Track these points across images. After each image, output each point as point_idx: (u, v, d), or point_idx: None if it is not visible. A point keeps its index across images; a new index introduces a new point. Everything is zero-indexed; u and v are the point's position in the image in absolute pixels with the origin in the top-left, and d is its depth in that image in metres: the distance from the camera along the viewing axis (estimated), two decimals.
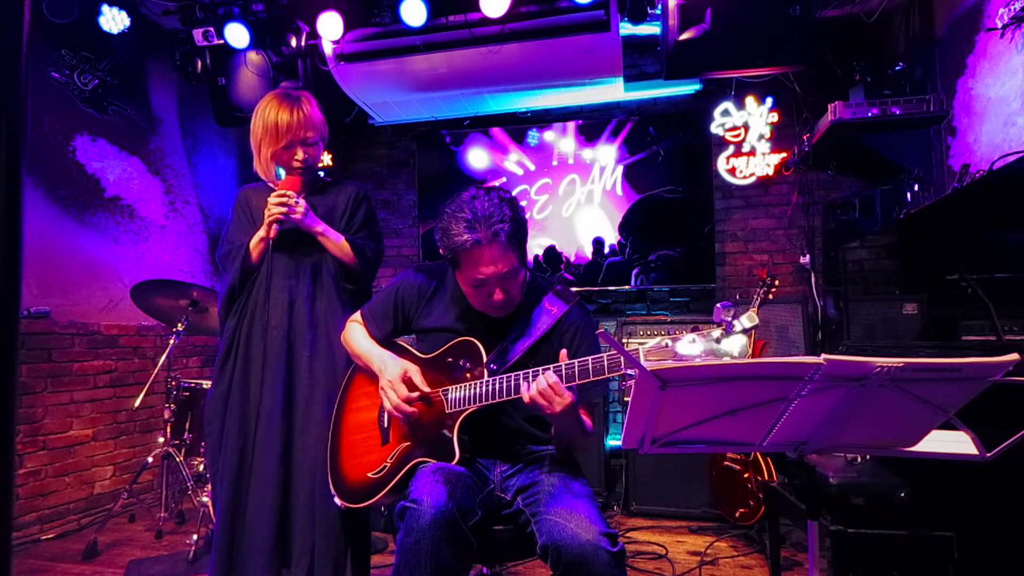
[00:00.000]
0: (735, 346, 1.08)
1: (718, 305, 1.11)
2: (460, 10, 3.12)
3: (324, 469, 1.58)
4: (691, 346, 1.12)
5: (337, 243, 1.80)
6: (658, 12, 3.05)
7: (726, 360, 1.08)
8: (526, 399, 1.25)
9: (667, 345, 1.14)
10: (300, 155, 1.78)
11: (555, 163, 4.09)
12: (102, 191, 3.36)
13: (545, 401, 1.23)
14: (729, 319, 1.09)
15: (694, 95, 3.90)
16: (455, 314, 1.53)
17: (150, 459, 2.75)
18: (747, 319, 1.08)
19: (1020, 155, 1.86)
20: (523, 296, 1.47)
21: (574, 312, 1.48)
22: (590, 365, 1.23)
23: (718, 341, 1.09)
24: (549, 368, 1.26)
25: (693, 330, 1.14)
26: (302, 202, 1.75)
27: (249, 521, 1.68)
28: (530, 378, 1.28)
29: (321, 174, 1.93)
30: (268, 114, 1.76)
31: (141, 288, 2.72)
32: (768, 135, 3.64)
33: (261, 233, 1.76)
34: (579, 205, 4.03)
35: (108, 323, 3.33)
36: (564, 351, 1.29)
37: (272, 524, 1.66)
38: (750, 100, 3.66)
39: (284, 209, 1.70)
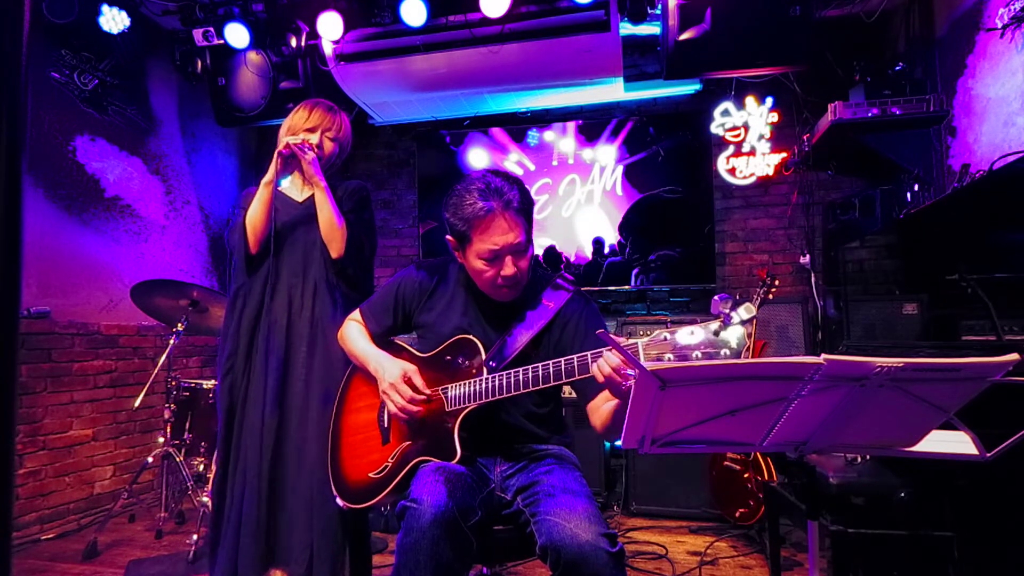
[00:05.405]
0: (733, 338, 1.08)
1: (715, 297, 1.11)
2: (460, 10, 3.13)
3: (324, 467, 1.59)
4: (690, 338, 1.12)
5: (332, 210, 1.79)
6: (658, 12, 3.05)
7: (726, 356, 1.08)
8: (600, 378, 1.17)
9: (665, 339, 1.14)
10: (317, 139, 1.85)
11: (555, 163, 4.09)
12: (102, 191, 3.36)
13: (620, 377, 1.14)
14: (727, 311, 1.08)
15: (694, 95, 3.90)
16: (456, 310, 1.53)
17: (150, 459, 2.74)
18: (744, 311, 1.08)
19: (1020, 155, 1.86)
20: (527, 281, 1.46)
21: (574, 301, 1.48)
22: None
23: (716, 333, 1.09)
24: (599, 352, 1.19)
25: (691, 323, 1.14)
26: (313, 154, 1.79)
27: (244, 515, 1.71)
28: (562, 366, 1.25)
29: None
30: (306, 109, 1.89)
31: (141, 288, 2.72)
32: (768, 135, 3.63)
33: (267, 177, 1.80)
34: (579, 205, 4.04)
35: (108, 323, 3.33)
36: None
37: (263, 518, 1.69)
38: (750, 100, 3.65)
39: (298, 140, 1.77)
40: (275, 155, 1.79)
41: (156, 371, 2.76)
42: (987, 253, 2.09)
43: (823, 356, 0.79)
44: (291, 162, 1.82)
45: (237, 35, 3.21)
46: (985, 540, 1.52)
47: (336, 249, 1.80)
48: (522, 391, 1.31)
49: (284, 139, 1.79)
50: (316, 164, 1.78)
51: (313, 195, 1.83)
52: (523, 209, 1.39)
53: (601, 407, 1.35)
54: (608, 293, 3.99)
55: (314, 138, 1.84)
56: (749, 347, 1.12)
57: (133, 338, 3.47)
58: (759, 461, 2.59)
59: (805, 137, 3.28)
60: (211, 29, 3.25)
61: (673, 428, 0.92)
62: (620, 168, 3.94)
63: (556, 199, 4.08)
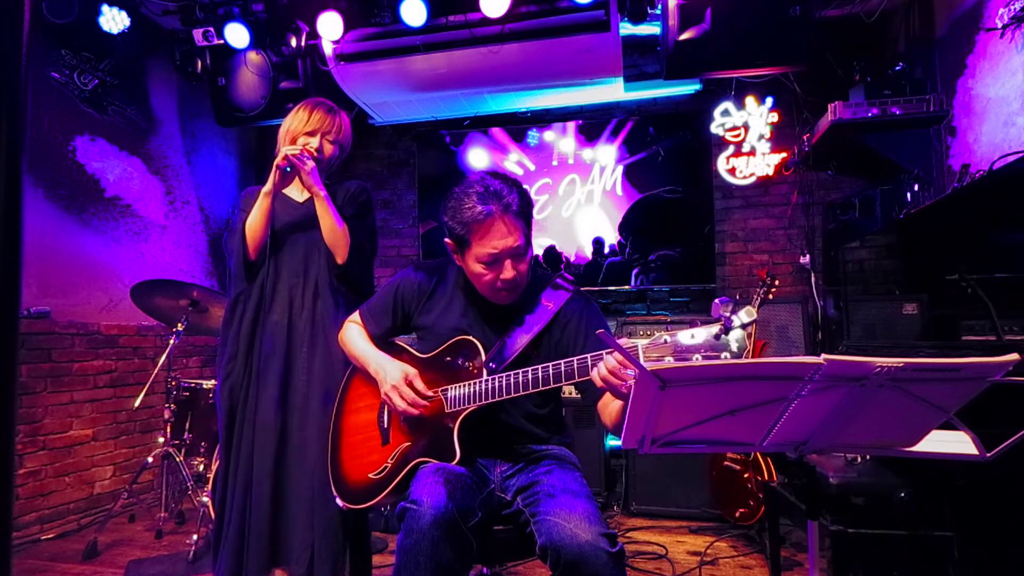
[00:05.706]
0: (734, 341, 1.08)
1: (716, 301, 1.11)
2: (460, 10, 3.13)
3: (324, 467, 1.59)
4: (690, 340, 1.12)
5: (334, 218, 1.78)
6: (658, 12, 3.05)
7: (726, 359, 1.08)
8: (599, 383, 1.17)
9: (666, 341, 1.14)
10: (316, 143, 1.83)
11: (555, 163, 4.09)
12: (102, 191, 3.36)
13: (618, 380, 1.14)
14: (728, 314, 1.08)
15: (694, 95, 3.89)
16: (456, 311, 1.53)
17: (150, 459, 2.74)
18: (745, 314, 1.08)
19: (1020, 155, 1.86)
20: (527, 283, 1.46)
21: (574, 301, 1.48)
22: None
23: (717, 336, 1.09)
24: (599, 355, 1.20)
25: (692, 325, 1.14)
26: (312, 163, 1.78)
27: (248, 515, 1.71)
28: (561, 368, 1.26)
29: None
30: (305, 110, 1.87)
31: (141, 288, 2.72)
32: (768, 135, 3.63)
33: (266, 187, 1.79)
34: (579, 205, 4.04)
35: (108, 323, 3.33)
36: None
37: (267, 518, 1.68)
38: (750, 100, 3.65)
39: (297, 151, 1.75)
40: (273, 167, 1.76)
41: (156, 371, 2.76)
42: (987, 253, 2.09)
43: (823, 356, 0.79)
44: (290, 172, 1.81)
45: (237, 35, 3.21)
46: (985, 540, 1.52)
47: (341, 255, 1.80)
48: (522, 392, 1.31)
49: (283, 150, 1.77)
50: (315, 174, 1.77)
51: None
52: (522, 212, 1.38)
53: (610, 404, 1.34)
54: (608, 293, 3.99)
55: (314, 142, 1.83)
56: (749, 350, 1.11)
57: (133, 338, 3.47)
58: (759, 461, 2.59)
59: (805, 137, 3.28)
60: (211, 29, 3.25)
61: (673, 428, 0.92)
62: (620, 168, 3.94)
63: (556, 199, 4.08)
